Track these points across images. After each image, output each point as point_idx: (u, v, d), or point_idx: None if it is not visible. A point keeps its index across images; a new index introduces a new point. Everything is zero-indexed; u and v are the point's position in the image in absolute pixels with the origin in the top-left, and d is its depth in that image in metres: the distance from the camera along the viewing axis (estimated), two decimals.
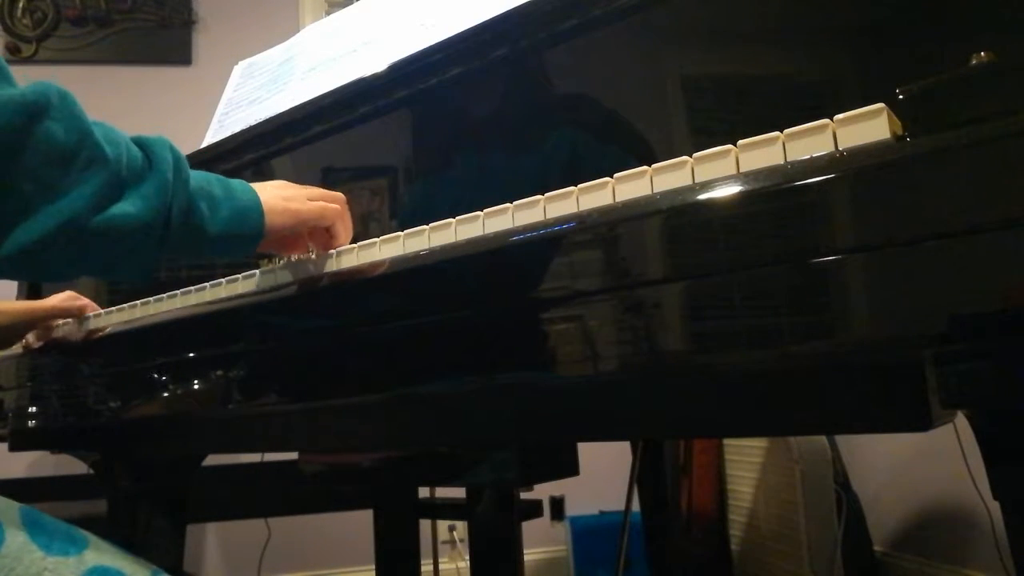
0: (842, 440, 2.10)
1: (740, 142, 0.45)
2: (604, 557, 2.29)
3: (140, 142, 0.59)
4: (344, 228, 0.72)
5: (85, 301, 0.98)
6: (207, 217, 0.61)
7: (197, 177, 0.62)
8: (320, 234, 0.72)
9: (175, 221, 0.58)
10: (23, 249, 0.51)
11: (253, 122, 1.02)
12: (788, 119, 0.44)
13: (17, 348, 1.02)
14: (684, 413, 0.56)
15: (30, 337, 0.98)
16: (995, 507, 0.43)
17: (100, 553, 0.57)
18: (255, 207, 0.65)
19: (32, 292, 1.29)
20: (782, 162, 0.43)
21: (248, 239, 0.65)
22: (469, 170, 0.80)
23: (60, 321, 0.99)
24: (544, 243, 0.50)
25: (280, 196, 0.68)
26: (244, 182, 0.66)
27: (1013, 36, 0.45)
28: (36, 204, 0.51)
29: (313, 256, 0.71)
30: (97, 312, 0.93)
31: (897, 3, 0.52)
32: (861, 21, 0.55)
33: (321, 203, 0.70)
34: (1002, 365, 0.38)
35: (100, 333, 0.86)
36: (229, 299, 0.73)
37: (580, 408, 0.61)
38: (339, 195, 0.74)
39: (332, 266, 0.67)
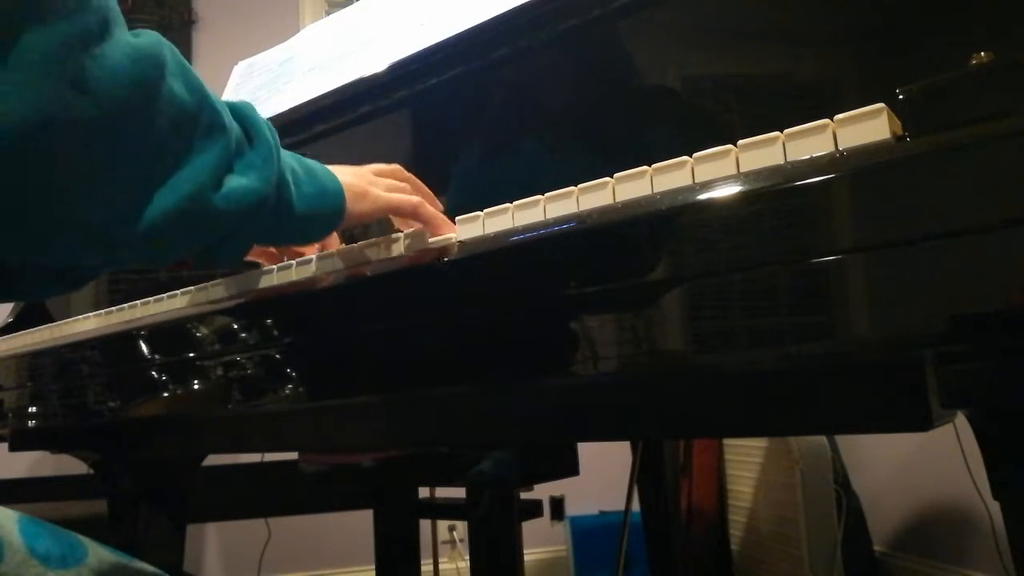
0: (842, 440, 2.10)
1: (740, 142, 0.45)
2: (604, 557, 2.29)
3: (230, 106, 0.51)
4: (429, 215, 0.63)
5: None
6: (293, 194, 0.54)
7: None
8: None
9: (274, 196, 0.51)
10: (155, 225, 0.44)
11: None
12: (788, 119, 0.44)
13: (26, 342, 1.02)
14: (684, 413, 0.56)
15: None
16: (995, 507, 0.43)
17: (101, 561, 0.57)
18: (336, 186, 0.58)
19: (25, 313, 1.28)
20: (782, 162, 0.43)
21: (329, 220, 0.58)
22: (469, 170, 0.80)
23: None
24: (544, 243, 0.50)
25: (359, 179, 0.61)
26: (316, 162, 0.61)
27: (1013, 36, 0.45)
28: (160, 176, 0.44)
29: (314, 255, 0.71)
30: (109, 309, 0.93)
31: (897, 3, 0.52)
32: (861, 21, 0.55)
33: (399, 196, 0.63)
34: (1002, 365, 0.38)
35: (100, 333, 0.86)
36: (230, 299, 0.73)
37: (580, 408, 0.61)
38: (413, 184, 0.67)
39: (331, 266, 0.67)
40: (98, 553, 0.58)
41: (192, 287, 0.79)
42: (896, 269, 0.36)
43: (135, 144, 0.42)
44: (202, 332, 0.74)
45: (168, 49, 0.45)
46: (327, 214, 0.58)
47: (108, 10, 0.42)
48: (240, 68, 1.22)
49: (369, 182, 0.62)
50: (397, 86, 0.86)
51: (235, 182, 0.48)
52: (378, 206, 0.62)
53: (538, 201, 0.54)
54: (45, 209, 0.41)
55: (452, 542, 2.40)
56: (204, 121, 0.46)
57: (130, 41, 0.42)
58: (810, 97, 0.57)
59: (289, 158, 0.56)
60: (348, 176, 0.61)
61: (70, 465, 1.49)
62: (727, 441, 2.12)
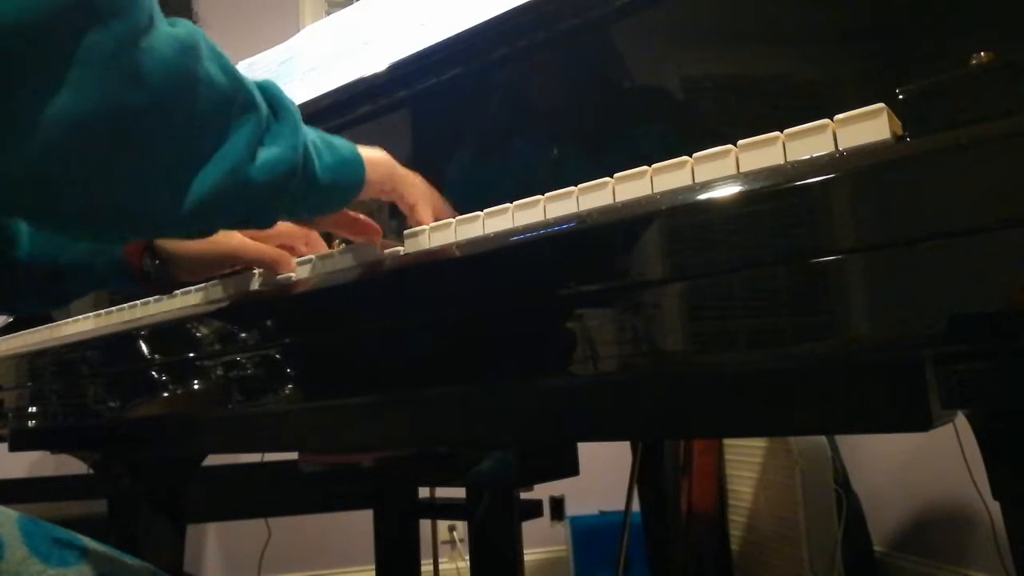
0: (842, 440, 2.10)
1: (740, 142, 0.45)
2: (604, 557, 2.29)
3: (257, 84, 0.54)
4: (425, 208, 0.66)
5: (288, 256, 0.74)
6: (316, 164, 0.56)
7: None
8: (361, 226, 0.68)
9: (301, 165, 0.54)
10: (200, 201, 0.47)
11: None
12: (788, 119, 0.44)
13: (24, 343, 1.02)
14: (684, 413, 0.56)
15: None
16: (995, 507, 0.43)
17: (100, 560, 0.57)
18: (354, 155, 0.61)
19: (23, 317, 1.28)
20: (782, 162, 0.43)
21: (349, 188, 0.60)
22: (469, 170, 0.80)
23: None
24: (544, 243, 0.50)
25: (382, 155, 0.64)
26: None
27: (1013, 36, 0.45)
28: (205, 153, 0.48)
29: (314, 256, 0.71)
30: (109, 309, 0.93)
31: (897, 3, 0.52)
32: (861, 21, 0.55)
33: (415, 183, 0.66)
34: (1002, 365, 0.38)
35: (97, 334, 0.86)
36: (229, 298, 0.73)
37: (580, 408, 0.61)
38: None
39: (331, 267, 0.67)
40: (97, 552, 0.58)
41: (190, 288, 0.79)
42: (896, 269, 0.36)
43: (181, 126, 0.46)
44: (200, 332, 0.74)
45: (202, 36, 0.48)
46: (348, 183, 0.60)
47: (151, 5, 0.45)
48: (240, 68, 1.22)
49: (391, 161, 0.65)
50: (397, 86, 0.86)
51: (267, 153, 0.51)
52: (394, 179, 0.64)
53: (538, 201, 0.54)
54: (108, 190, 0.45)
55: (452, 542, 2.40)
56: (239, 100, 0.50)
57: (171, 32, 0.45)
58: (810, 97, 0.57)
59: (310, 131, 0.58)
60: (369, 151, 0.63)
61: (70, 465, 1.49)
62: (727, 441, 2.12)
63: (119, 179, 0.45)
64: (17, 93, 0.39)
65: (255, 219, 0.55)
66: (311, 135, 0.57)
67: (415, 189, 0.66)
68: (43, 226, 0.50)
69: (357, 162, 0.60)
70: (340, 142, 0.60)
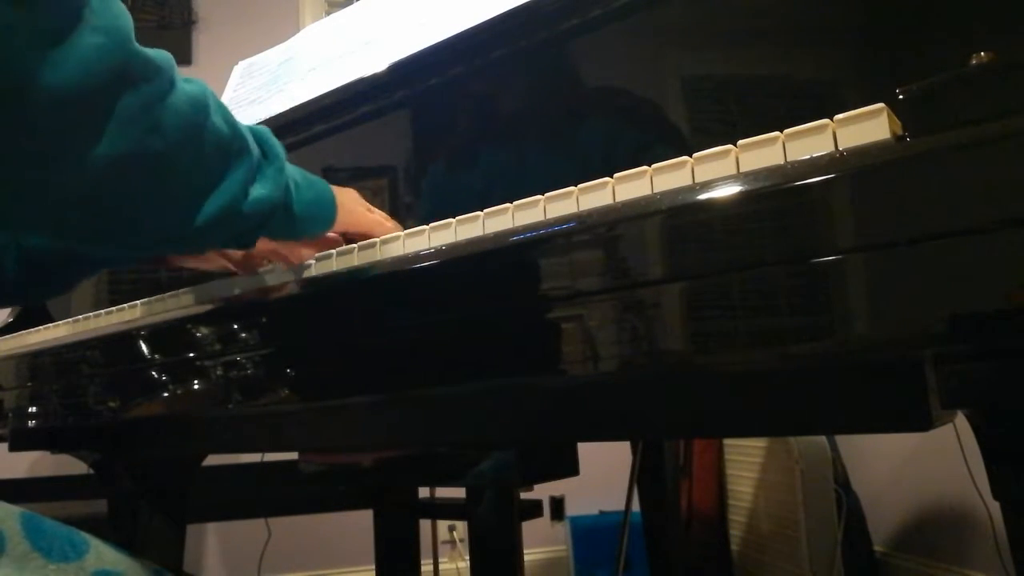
0: (842, 440, 2.10)
1: (740, 142, 0.45)
2: (604, 557, 2.29)
3: (251, 130, 0.63)
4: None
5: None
6: (294, 198, 0.65)
7: None
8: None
9: (282, 201, 0.64)
10: (202, 226, 0.57)
11: (253, 122, 1.02)
12: (788, 119, 0.44)
13: (10, 346, 1.02)
14: (684, 413, 0.56)
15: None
16: (995, 507, 0.43)
17: (102, 556, 0.57)
18: (329, 195, 0.69)
19: (25, 313, 1.28)
20: (782, 162, 0.43)
21: (321, 222, 0.69)
22: (469, 170, 0.80)
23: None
24: (544, 243, 0.50)
25: (345, 194, 0.72)
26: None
27: (1013, 36, 0.45)
28: (207, 190, 0.57)
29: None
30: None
31: (897, 3, 0.52)
32: (861, 21, 0.55)
33: (378, 222, 0.74)
34: (1002, 365, 0.38)
35: (103, 332, 0.86)
36: (229, 299, 0.73)
37: (580, 408, 0.61)
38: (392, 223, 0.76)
39: (332, 267, 0.67)
40: (99, 549, 0.58)
41: (188, 288, 0.79)
42: (896, 269, 0.36)
43: (190, 168, 0.56)
44: (199, 333, 0.74)
45: (210, 93, 0.59)
46: (321, 217, 0.69)
47: (172, 69, 0.54)
48: (240, 68, 1.22)
49: (359, 201, 0.74)
50: (397, 86, 0.86)
51: (256, 192, 0.61)
52: (357, 219, 0.73)
53: (538, 201, 0.54)
54: (133, 214, 0.55)
55: (452, 542, 2.40)
56: (236, 146, 0.59)
57: (186, 89, 0.55)
58: (810, 97, 0.57)
59: (293, 170, 0.67)
60: (343, 193, 0.72)
61: (70, 465, 1.49)
62: (727, 441, 2.12)
63: (142, 205, 0.55)
64: (73, 140, 0.49)
65: (241, 241, 0.64)
66: (294, 174, 0.67)
67: (380, 228, 0.73)
68: (84, 242, 0.63)
69: (330, 202, 0.70)
70: (319, 183, 0.69)
